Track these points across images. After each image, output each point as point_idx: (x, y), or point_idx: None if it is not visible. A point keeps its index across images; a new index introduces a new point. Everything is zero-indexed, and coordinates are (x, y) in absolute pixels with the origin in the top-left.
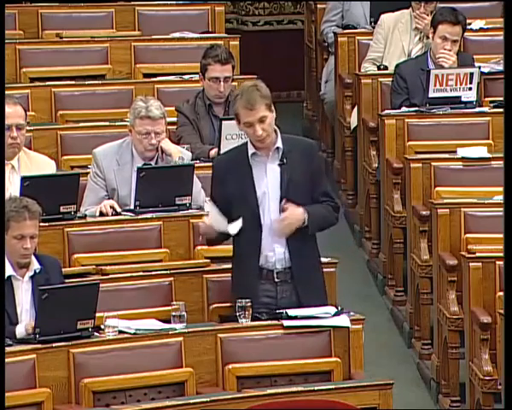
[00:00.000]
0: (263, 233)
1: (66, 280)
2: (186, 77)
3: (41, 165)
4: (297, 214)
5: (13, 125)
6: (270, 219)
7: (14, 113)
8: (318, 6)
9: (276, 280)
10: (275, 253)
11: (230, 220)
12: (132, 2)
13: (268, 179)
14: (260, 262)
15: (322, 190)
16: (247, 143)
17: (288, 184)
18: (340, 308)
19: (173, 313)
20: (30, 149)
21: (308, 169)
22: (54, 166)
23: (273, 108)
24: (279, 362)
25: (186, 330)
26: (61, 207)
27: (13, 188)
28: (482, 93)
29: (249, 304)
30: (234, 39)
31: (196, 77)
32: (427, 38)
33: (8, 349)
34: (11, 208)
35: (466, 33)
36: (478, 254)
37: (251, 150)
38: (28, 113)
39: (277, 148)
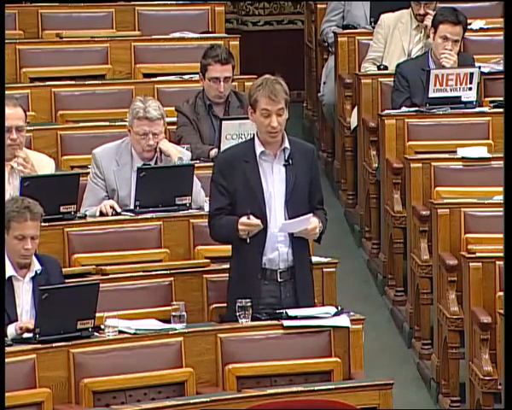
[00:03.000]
0: (268, 233)
1: (66, 280)
2: (186, 77)
3: (40, 164)
4: (318, 224)
5: (12, 127)
6: (275, 218)
7: (14, 114)
8: (318, 6)
9: (279, 280)
10: (279, 252)
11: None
12: (132, 2)
13: (274, 179)
14: (263, 262)
15: (320, 197)
16: (253, 140)
17: (293, 184)
18: (340, 308)
19: (173, 313)
20: (30, 149)
21: (309, 173)
22: (53, 164)
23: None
24: (279, 362)
25: (186, 330)
26: (61, 207)
27: (12, 188)
28: (482, 93)
29: (249, 304)
30: (234, 39)
31: (196, 77)
32: (428, 37)
33: (8, 349)
34: (13, 209)
35: (466, 33)
36: (478, 254)
37: (259, 149)
38: (28, 113)
39: (284, 148)
